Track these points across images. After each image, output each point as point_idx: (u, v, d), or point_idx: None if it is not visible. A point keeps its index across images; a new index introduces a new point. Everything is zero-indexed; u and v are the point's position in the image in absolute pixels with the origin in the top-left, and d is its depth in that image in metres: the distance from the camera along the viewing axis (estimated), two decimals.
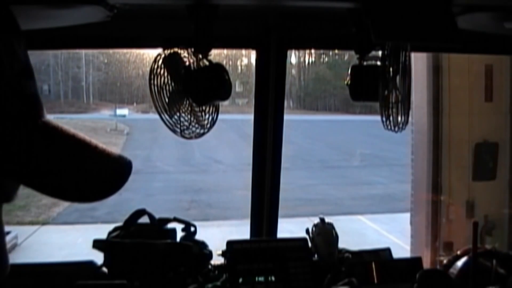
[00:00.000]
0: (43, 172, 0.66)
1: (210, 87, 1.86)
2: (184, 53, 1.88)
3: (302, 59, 22.61)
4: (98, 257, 1.98)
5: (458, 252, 2.07)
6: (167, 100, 1.85)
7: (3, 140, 0.63)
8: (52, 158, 0.67)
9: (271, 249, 2.01)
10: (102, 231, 2.10)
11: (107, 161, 0.72)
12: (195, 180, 12.81)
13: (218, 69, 1.88)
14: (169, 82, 1.85)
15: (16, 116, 0.65)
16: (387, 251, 2.20)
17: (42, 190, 0.66)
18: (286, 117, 2.39)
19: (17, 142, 0.65)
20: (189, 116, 1.90)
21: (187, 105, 1.89)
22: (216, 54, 1.94)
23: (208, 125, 1.94)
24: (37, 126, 0.68)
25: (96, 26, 1.74)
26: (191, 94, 1.87)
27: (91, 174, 0.70)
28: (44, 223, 9.60)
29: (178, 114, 1.87)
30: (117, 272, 1.91)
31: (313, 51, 28.32)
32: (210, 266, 2.04)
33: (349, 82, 2.02)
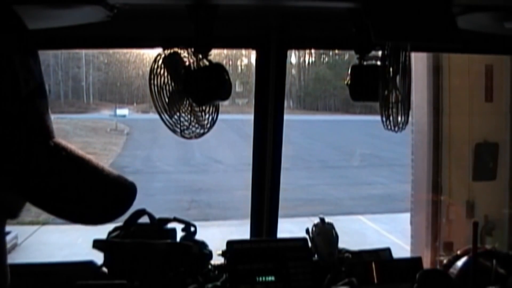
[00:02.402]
0: (50, 192, 0.66)
1: (210, 87, 1.86)
2: (184, 53, 1.88)
3: (302, 59, 22.64)
4: (98, 257, 1.98)
5: (458, 252, 2.07)
6: (167, 100, 1.85)
7: (14, 158, 0.63)
8: (60, 179, 0.67)
9: (271, 249, 2.01)
10: (102, 231, 2.09)
11: (113, 184, 0.72)
12: (195, 180, 12.81)
13: (218, 69, 1.88)
14: (169, 82, 1.85)
15: (28, 135, 0.65)
16: (387, 251, 2.19)
17: (48, 210, 0.66)
18: (286, 117, 2.39)
19: (27, 161, 0.64)
20: (189, 116, 1.90)
21: (187, 105, 1.89)
22: (216, 54, 1.94)
23: (208, 125, 1.94)
24: (47, 146, 0.68)
25: (96, 26, 1.74)
26: (191, 94, 1.87)
27: (96, 197, 0.70)
28: (44, 223, 9.58)
29: (178, 114, 1.87)
30: (117, 272, 1.91)
31: (313, 51, 28.33)
32: (210, 266, 2.04)
33: (349, 82, 2.02)
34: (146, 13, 1.97)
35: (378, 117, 1.95)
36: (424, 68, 4.23)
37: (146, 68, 1.91)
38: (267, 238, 2.33)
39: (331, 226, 2.13)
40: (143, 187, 11.64)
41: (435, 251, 4.13)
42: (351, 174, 14.19)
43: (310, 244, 2.08)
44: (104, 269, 1.96)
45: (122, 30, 1.96)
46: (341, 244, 2.14)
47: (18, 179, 0.64)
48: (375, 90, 1.92)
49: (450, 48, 2.94)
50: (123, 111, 20.05)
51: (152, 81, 1.83)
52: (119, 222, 2.09)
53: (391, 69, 1.89)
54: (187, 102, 1.89)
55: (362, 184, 12.87)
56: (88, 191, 0.69)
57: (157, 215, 2.10)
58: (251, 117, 2.36)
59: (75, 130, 15.95)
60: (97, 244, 1.96)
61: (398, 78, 1.90)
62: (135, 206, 2.16)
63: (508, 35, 1.87)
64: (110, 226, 2.09)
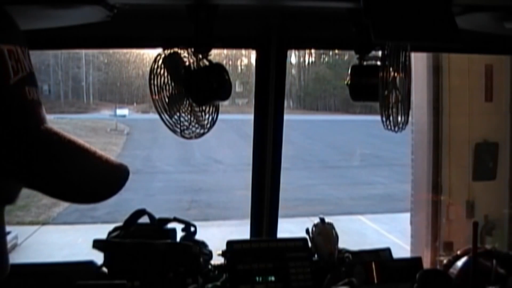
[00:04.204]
0: (44, 175, 0.68)
1: (210, 87, 1.86)
2: (184, 53, 1.88)
3: (302, 59, 22.66)
4: (98, 257, 1.98)
5: (458, 252, 2.07)
6: (167, 100, 1.85)
7: (6, 144, 0.65)
8: (53, 163, 0.69)
9: (271, 249, 2.01)
10: (102, 231, 2.10)
11: (105, 166, 0.74)
12: (195, 180, 12.81)
13: (218, 69, 1.88)
14: (169, 82, 1.85)
15: (19, 122, 0.67)
16: (387, 251, 2.19)
17: (43, 191, 0.68)
18: (286, 117, 2.39)
19: (19, 147, 0.66)
20: (189, 116, 1.90)
21: (187, 105, 1.89)
22: (216, 54, 1.93)
23: (208, 125, 1.94)
24: (39, 132, 0.70)
25: (96, 26, 1.74)
26: (191, 94, 1.87)
27: (90, 178, 0.72)
28: (44, 223, 9.60)
29: (178, 114, 1.87)
30: (117, 272, 1.91)
31: (313, 51, 28.34)
32: (210, 266, 2.04)
33: (349, 82, 2.02)
34: (146, 13, 1.97)
35: (378, 117, 1.94)
36: (424, 68, 4.23)
37: (146, 68, 1.91)
38: (267, 238, 2.33)
39: (331, 226, 2.13)
40: (143, 187, 11.63)
41: (435, 251, 4.13)
42: (351, 174, 14.19)
43: (310, 244, 2.08)
44: (104, 269, 1.96)
45: (122, 30, 1.96)
46: (341, 244, 2.13)
47: (10, 164, 0.65)
48: (375, 90, 1.91)
49: (450, 48, 2.95)
50: (123, 111, 20.06)
51: (152, 81, 1.83)
52: (119, 222, 2.10)
53: (391, 69, 1.89)
54: (187, 102, 1.89)
55: (362, 184, 12.87)
56: (81, 173, 0.71)
57: (157, 215, 2.10)
58: (251, 117, 2.36)
59: (75, 130, 15.95)
60: (97, 244, 1.96)
61: (398, 78, 1.90)
62: (136, 206, 2.17)
63: (508, 35, 1.87)
64: (110, 226, 2.10)
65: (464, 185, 4.26)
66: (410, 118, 1.97)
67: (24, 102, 0.68)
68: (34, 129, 0.69)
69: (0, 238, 0.72)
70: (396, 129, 1.94)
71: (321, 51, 25.02)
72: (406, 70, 1.89)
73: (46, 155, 0.69)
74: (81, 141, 0.73)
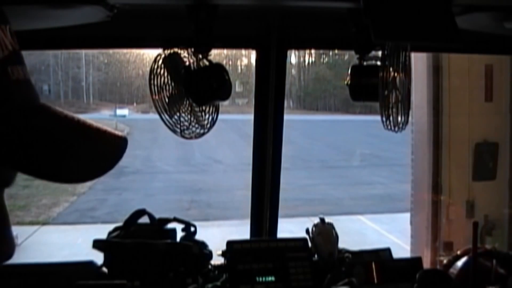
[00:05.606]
0: (41, 154, 0.65)
1: (210, 87, 1.86)
2: (184, 53, 1.88)
3: (302, 59, 22.63)
4: (98, 257, 1.98)
5: (458, 252, 2.07)
6: (167, 100, 1.85)
7: None
8: (47, 143, 0.67)
9: (271, 249, 2.01)
10: (102, 231, 2.10)
11: (103, 139, 0.72)
12: (195, 180, 12.81)
13: (218, 69, 1.88)
14: (169, 82, 1.85)
15: (4, 104, 0.65)
16: (387, 251, 2.19)
17: (39, 176, 0.66)
18: (286, 117, 2.39)
19: (9, 130, 0.64)
20: (189, 116, 1.90)
21: (187, 105, 1.90)
22: (216, 54, 1.94)
23: (208, 125, 1.95)
24: (31, 109, 0.68)
25: (96, 26, 1.74)
26: (191, 94, 1.87)
27: (89, 152, 0.70)
28: (44, 223, 9.60)
29: (178, 114, 1.88)
30: (117, 272, 1.91)
31: (313, 51, 28.33)
32: (210, 266, 2.04)
33: (349, 82, 2.02)
34: (146, 13, 1.97)
35: (378, 117, 1.95)
36: (424, 68, 4.23)
37: (146, 68, 1.91)
38: (267, 238, 2.34)
39: (331, 226, 2.13)
40: (143, 187, 11.64)
41: (435, 251, 4.13)
42: (351, 174, 14.20)
43: (310, 244, 2.08)
44: (104, 269, 1.96)
45: (122, 30, 1.96)
46: (341, 244, 2.13)
47: (4, 146, 0.63)
48: (375, 90, 1.92)
49: (450, 48, 2.95)
50: (123, 111, 20.06)
51: (152, 81, 1.83)
52: (119, 222, 2.10)
53: (391, 69, 1.89)
54: (187, 102, 1.89)
55: (362, 184, 12.87)
56: (77, 147, 0.69)
57: (157, 215, 2.10)
58: (251, 117, 2.36)
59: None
60: (97, 244, 1.96)
61: (398, 78, 1.90)
62: (136, 206, 2.17)
63: (508, 35, 1.87)
64: (110, 226, 2.10)
65: (464, 185, 4.26)
66: (410, 118, 1.97)
67: (8, 83, 0.65)
68: (24, 110, 0.66)
69: (3, 220, 0.70)
70: (396, 129, 1.95)
71: (321, 51, 25.02)
72: (406, 70, 1.89)
73: (39, 135, 0.66)
74: (74, 115, 0.71)
